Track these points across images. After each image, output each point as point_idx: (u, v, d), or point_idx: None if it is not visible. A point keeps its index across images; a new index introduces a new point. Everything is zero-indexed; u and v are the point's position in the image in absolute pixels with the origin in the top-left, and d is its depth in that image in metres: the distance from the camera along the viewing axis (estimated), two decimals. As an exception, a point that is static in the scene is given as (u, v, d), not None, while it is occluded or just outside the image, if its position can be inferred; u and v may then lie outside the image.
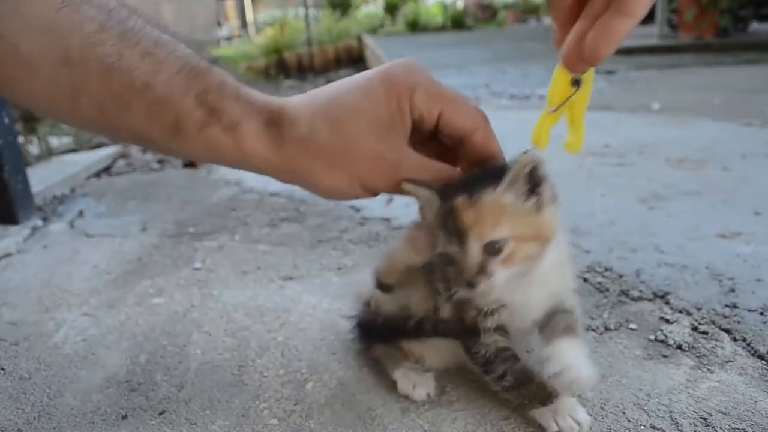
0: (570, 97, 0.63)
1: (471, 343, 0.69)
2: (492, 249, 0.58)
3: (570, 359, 0.62)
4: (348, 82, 0.63)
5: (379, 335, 0.80)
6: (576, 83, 0.62)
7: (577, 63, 0.58)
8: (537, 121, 0.66)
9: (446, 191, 0.60)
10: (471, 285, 0.59)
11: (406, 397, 0.75)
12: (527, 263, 0.60)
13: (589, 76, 0.63)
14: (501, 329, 0.68)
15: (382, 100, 0.61)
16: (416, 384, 0.75)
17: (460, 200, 0.59)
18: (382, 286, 0.76)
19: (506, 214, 0.59)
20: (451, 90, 0.64)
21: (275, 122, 0.60)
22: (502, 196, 0.59)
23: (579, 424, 0.66)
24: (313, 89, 0.65)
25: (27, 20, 0.51)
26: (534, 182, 0.60)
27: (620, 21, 0.53)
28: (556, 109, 0.64)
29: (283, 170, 0.62)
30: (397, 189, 0.63)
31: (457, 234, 0.59)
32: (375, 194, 0.65)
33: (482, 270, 0.58)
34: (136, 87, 0.55)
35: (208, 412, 0.77)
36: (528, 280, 0.63)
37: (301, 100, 0.63)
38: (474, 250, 0.59)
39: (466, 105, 0.64)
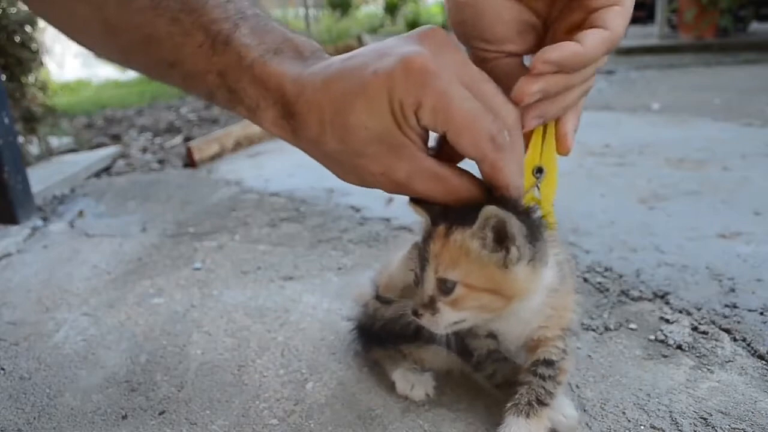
0: (532, 187, 0.61)
1: (463, 346, 0.68)
2: (443, 287, 0.57)
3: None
4: (354, 79, 0.53)
5: (378, 338, 0.80)
6: (539, 172, 0.61)
7: (523, 83, 0.52)
8: None
9: (440, 215, 0.57)
10: (416, 314, 0.59)
11: (406, 398, 0.75)
12: (483, 312, 0.58)
13: (552, 168, 0.62)
14: (491, 336, 0.67)
15: (386, 116, 0.53)
16: (414, 384, 0.75)
17: (439, 228, 0.56)
18: (382, 300, 0.76)
19: (466, 258, 0.55)
20: (463, 108, 0.51)
21: (289, 115, 0.57)
22: (470, 240, 0.55)
23: (566, 417, 0.67)
24: (320, 66, 0.56)
25: None
26: (501, 237, 0.54)
27: (572, 44, 0.51)
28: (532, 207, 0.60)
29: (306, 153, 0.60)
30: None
31: (423, 260, 0.58)
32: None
33: (431, 303, 0.57)
34: (168, 61, 0.57)
35: (208, 412, 0.77)
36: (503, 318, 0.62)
37: (312, 93, 0.55)
38: (428, 281, 0.58)
39: (474, 130, 0.51)
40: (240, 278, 1.19)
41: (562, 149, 0.60)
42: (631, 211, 1.44)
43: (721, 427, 0.68)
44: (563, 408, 0.68)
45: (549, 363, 0.65)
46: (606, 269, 1.12)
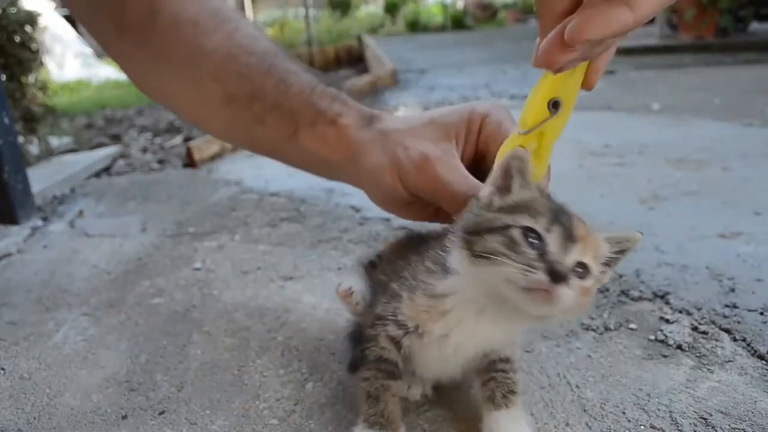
0: (544, 121, 0.58)
1: (371, 336, 0.66)
2: (580, 270, 0.53)
3: None
4: (441, 109, 0.75)
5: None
6: (555, 106, 0.57)
7: (556, 50, 0.50)
8: (505, 142, 0.63)
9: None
10: (561, 277, 0.50)
11: (405, 398, 0.75)
12: (578, 305, 0.53)
13: (570, 102, 0.57)
14: (396, 348, 0.65)
15: (455, 118, 0.71)
16: (411, 384, 0.75)
17: (579, 218, 0.57)
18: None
19: (599, 255, 0.56)
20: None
21: (369, 117, 0.75)
22: (605, 244, 0.57)
23: None
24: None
25: (204, 74, 0.76)
26: (613, 261, 0.58)
27: (619, 11, 0.47)
28: (527, 132, 0.59)
29: (357, 152, 0.73)
30: (424, 191, 0.69)
31: (567, 236, 0.53)
32: (404, 195, 0.71)
33: (568, 276, 0.51)
34: (267, 107, 0.75)
35: (208, 412, 0.77)
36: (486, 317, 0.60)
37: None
38: (572, 255, 0.53)
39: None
40: (240, 278, 1.19)
41: (591, 84, 0.58)
42: (631, 211, 1.44)
43: (721, 427, 0.68)
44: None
45: (505, 360, 0.67)
46: (606, 269, 1.12)
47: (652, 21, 6.14)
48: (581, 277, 0.53)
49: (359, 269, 0.79)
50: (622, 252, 0.58)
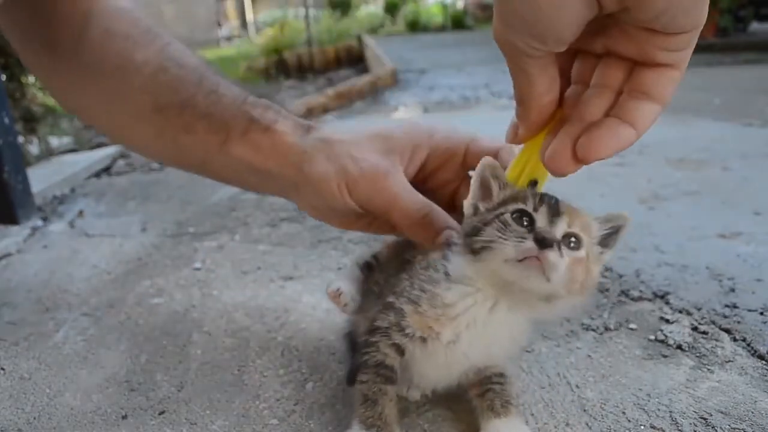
0: None
1: (369, 343, 0.65)
2: (570, 240, 0.56)
3: None
4: (384, 124, 0.76)
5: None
6: (533, 185, 0.60)
7: (568, 162, 0.53)
8: None
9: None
10: (548, 243, 0.53)
11: (405, 398, 0.75)
12: (570, 285, 0.55)
13: (543, 180, 0.61)
14: (399, 354, 0.64)
15: (400, 133, 0.72)
16: (410, 385, 0.75)
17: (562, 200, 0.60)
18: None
19: (588, 230, 0.59)
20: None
21: (306, 127, 0.75)
22: (593, 221, 0.60)
23: None
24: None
25: (134, 87, 0.76)
26: (609, 238, 0.61)
27: (626, 131, 0.50)
28: None
29: (297, 159, 0.72)
30: (373, 204, 0.69)
31: (553, 211, 0.57)
32: (349, 204, 0.71)
33: (559, 245, 0.55)
34: (198, 115, 0.75)
35: (208, 412, 0.77)
36: (497, 334, 0.62)
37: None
38: (559, 227, 0.56)
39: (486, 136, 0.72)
40: (240, 278, 1.19)
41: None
42: (631, 211, 1.44)
43: (721, 427, 0.68)
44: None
45: (501, 374, 0.68)
46: (606, 269, 1.12)
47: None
48: (573, 247, 0.56)
49: (353, 270, 0.79)
50: (616, 231, 0.61)
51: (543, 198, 0.58)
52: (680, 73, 0.50)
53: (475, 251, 0.58)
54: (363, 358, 0.65)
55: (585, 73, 0.54)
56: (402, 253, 0.73)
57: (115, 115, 0.81)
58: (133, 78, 0.76)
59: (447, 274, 0.62)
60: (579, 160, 0.53)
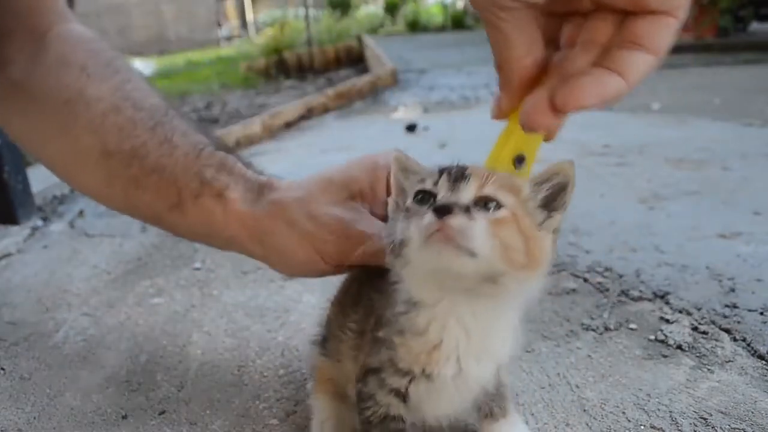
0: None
1: (365, 394, 0.58)
2: (485, 205, 0.48)
3: None
4: (339, 164, 0.69)
5: None
6: (519, 161, 0.54)
7: (545, 115, 0.48)
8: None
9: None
10: (445, 210, 0.46)
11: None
12: (503, 255, 0.47)
13: (532, 157, 0.55)
14: (401, 399, 0.57)
15: (356, 173, 0.67)
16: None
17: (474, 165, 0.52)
18: None
19: (514, 191, 0.50)
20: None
21: (258, 189, 0.70)
22: (520, 182, 0.52)
23: None
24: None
25: (82, 125, 0.70)
26: (554, 199, 0.52)
27: (613, 79, 0.45)
28: None
29: (253, 233, 0.68)
30: (349, 256, 0.62)
31: (455, 177, 0.50)
32: (324, 267, 0.67)
33: (465, 209, 0.47)
34: (148, 169, 0.69)
35: (208, 412, 0.77)
36: (486, 339, 0.55)
37: (289, 181, 0.71)
38: (467, 190, 0.49)
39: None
40: (240, 278, 1.19)
41: (550, 136, 0.54)
42: (631, 211, 1.44)
43: (721, 427, 0.68)
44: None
45: (500, 370, 0.63)
46: (606, 269, 1.12)
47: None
48: (491, 208, 0.48)
49: (314, 359, 0.73)
50: (562, 189, 0.52)
51: (446, 168, 0.52)
52: (676, 20, 0.44)
53: (396, 254, 0.50)
54: (364, 415, 0.58)
55: (574, 37, 0.50)
56: (361, 294, 0.64)
57: (61, 152, 0.75)
58: (81, 115, 0.71)
59: (408, 298, 0.55)
60: (557, 109, 0.47)
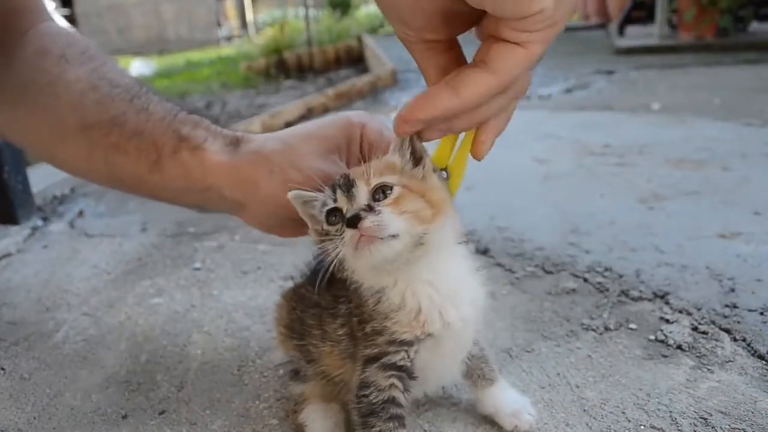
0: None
1: (366, 382, 0.61)
2: (379, 194, 0.57)
3: (517, 403, 0.70)
4: (313, 120, 0.74)
5: None
6: (443, 171, 0.62)
7: (401, 122, 0.55)
8: None
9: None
10: (356, 219, 0.53)
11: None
12: (417, 221, 0.55)
13: (458, 172, 0.62)
14: (404, 375, 0.62)
15: (333, 130, 0.71)
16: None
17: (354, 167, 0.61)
18: None
19: (393, 168, 0.59)
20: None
21: (234, 141, 0.73)
22: (392, 157, 0.60)
23: (531, 414, 0.69)
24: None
25: (62, 104, 0.74)
26: (417, 154, 0.60)
27: (446, 95, 0.51)
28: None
29: (233, 181, 0.71)
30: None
31: (346, 187, 0.58)
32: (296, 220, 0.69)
33: (369, 208, 0.55)
34: (127, 134, 0.73)
35: (208, 412, 0.77)
36: (450, 284, 0.60)
37: (265, 133, 0.74)
38: (361, 193, 0.57)
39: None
40: (240, 278, 1.19)
41: (476, 155, 0.60)
42: (631, 211, 1.44)
43: (721, 427, 0.68)
44: (527, 406, 0.70)
45: (480, 352, 0.70)
46: (606, 269, 1.12)
47: (652, 21, 6.14)
48: (386, 195, 0.56)
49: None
50: (412, 145, 0.60)
51: (335, 182, 0.60)
52: (527, 52, 0.48)
53: (342, 269, 0.59)
54: (364, 403, 0.61)
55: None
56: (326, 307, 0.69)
57: (43, 133, 0.79)
58: (61, 95, 0.75)
59: (372, 291, 0.61)
60: (404, 120, 0.55)
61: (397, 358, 0.60)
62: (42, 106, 0.77)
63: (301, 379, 0.72)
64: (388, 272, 0.59)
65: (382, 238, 0.54)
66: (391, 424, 0.60)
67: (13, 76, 0.77)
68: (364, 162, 0.62)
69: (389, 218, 0.54)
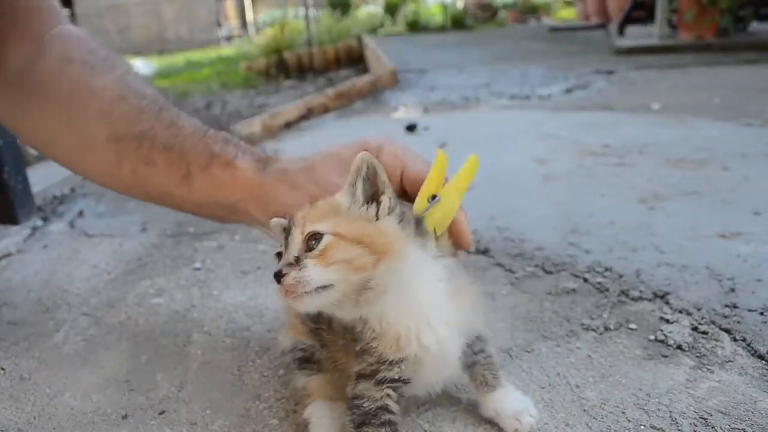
0: (425, 210, 0.65)
1: (359, 394, 0.61)
2: (310, 244, 0.56)
3: (518, 405, 0.69)
4: (336, 145, 0.76)
5: None
6: (433, 198, 0.64)
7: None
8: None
9: None
10: (278, 275, 0.54)
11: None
12: (351, 270, 0.54)
13: (452, 197, 0.64)
14: (399, 385, 0.62)
15: (351, 149, 0.72)
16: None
17: (305, 207, 0.61)
18: None
19: (335, 214, 0.58)
20: (412, 151, 0.73)
21: (263, 160, 0.76)
22: (340, 197, 0.60)
23: (532, 416, 0.69)
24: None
25: (90, 113, 0.75)
26: (374, 189, 0.59)
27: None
28: (419, 216, 0.64)
29: (258, 197, 0.74)
30: None
31: (287, 232, 0.59)
32: None
33: (296, 260, 0.55)
34: (158, 148, 0.74)
35: (208, 412, 0.77)
36: (424, 309, 0.60)
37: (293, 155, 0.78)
38: (294, 242, 0.57)
39: (425, 161, 0.72)
40: (240, 278, 1.19)
41: (464, 246, 0.68)
42: (631, 211, 1.44)
43: (721, 427, 0.68)
44: (529, 408, 0.70)
45: (482, 349, 0.68)
46: (606, 269, 1.12)
47: (652, 21, 6.14)
48: (314, 246, 0.55)
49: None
50: (373, 176, 0.59)
51: (286, 227, 0.60)
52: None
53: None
54: (360, 410, 0.61)
55: None
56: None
57: (69, 142, 0.80)
58: (89, 104, 0.75)
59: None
60: None
61: (391, 374, 0.60)
62: (67, 115, 0.77)
63: (309, 367, 0.73)
64: (345, 311, 0.58)
65: (308, 292, 0.53)
66: (383, 430, 0.60)
67: (37, 81, 0.77)
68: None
69: (312, 273, 0.54)
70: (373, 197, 0.59)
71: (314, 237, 0.56)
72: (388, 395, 0.61)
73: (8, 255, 1.40)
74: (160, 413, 0.77)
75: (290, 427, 0.73)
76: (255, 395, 0.80)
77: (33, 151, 2.34)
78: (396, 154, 0.71)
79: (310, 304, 0.55)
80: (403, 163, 0.70)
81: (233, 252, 1.33)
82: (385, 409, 0.61)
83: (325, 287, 0.54)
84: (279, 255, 0.59)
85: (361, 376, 0.62)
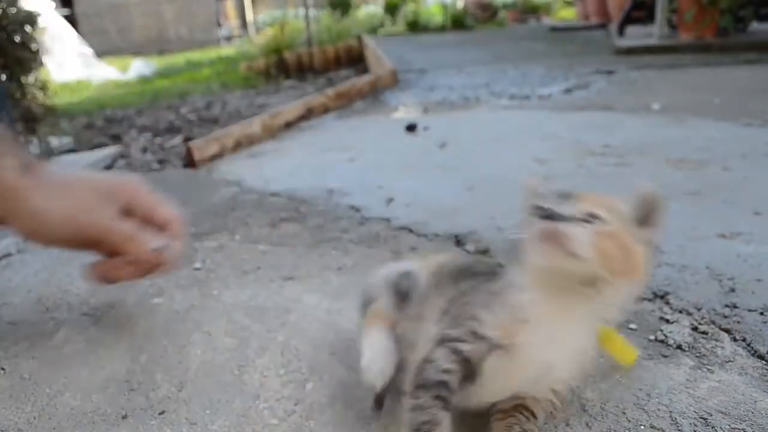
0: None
1: (431, 358, 0.61)
2: (588, 218, 0.57)
3: None
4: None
5: None
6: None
7: None
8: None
9: None
10: (553, 216, 0.56)
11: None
12: (605, 265, 0.56)
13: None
14: (468, 372, 0.61)
15: (105, 182, 0.88)
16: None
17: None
18: None
19: (617, 212, 0.59)
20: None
21: (28, 166, 0.82)
22: (621, 204, 0.61)
23: None
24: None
25: None
26: (649, 219, 0.61)
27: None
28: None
29: (12, 196, 0.79)
30: (96, 233, 0.85)
31: (562, 195, 0.60)
32: (69, 238, 0.84)
33: (569, 219, 0.57)
34: None
35: (208, 412, 0.77)
36: (566, 340, 0.61)
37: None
38: (573, 207, 0.58)
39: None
40: (240, 278, 1.19)
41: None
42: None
43: (721, 427, 0.68)
44: None
45: (531, 412, 0.65)
46: (606, 269, 1.12)
47: (652, 21, 6.14)
48: (594, 223, 0.57)
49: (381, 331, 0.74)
50: (652, 210, 0.61)
51: (557, 192, 0.62)
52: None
53: (516, 251, 0.61)
54: (421, 376, 0.61)
55: None
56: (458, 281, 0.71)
57: None
58: None
59: (515, 283, 0.63)
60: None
61: (468, 347, 0.61)
62: None
63: (401, 303, 0.75)
64: (545, 281, 0.60)
65: (567, 251, 0.55)
66: (435, 402, 0.59)
67: None
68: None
69: (587, 239, 0.55)
70: (642, 223, 0.61)
71: (594, 217, 0.57)
72: (454, 372, 0.60)
73: (8, 255, 1.40)
74: (160, 413, 0.77)
75: (290, 427, 0.73)
76: (255, 395, 0.80)
77: (33, 151, 2.34)
78: (147, 192, 0.93)
79: (557, 261, 0.56)
80: (145, 198, 0.92)
81: (233, 252, 1.33)
82: (445, 385, 0.60)
83: (578, 258, 0.55)
84: (536, 209, 0.60)
85: (443, 340, 0.62)
